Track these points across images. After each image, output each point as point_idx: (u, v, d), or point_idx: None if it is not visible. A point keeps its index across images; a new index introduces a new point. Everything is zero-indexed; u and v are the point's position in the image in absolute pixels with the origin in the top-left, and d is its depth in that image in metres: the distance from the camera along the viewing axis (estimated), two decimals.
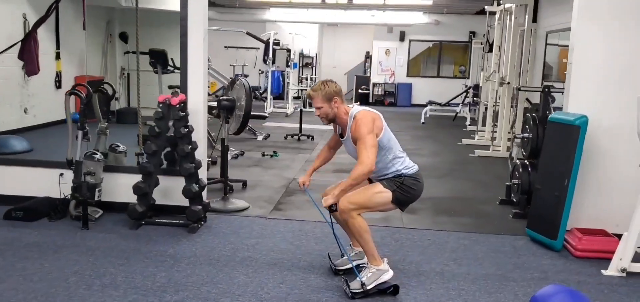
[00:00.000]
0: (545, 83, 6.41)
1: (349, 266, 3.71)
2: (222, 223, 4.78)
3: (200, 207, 4.53)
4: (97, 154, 4.63)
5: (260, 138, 9.52)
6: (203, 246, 4.19)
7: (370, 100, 17.93)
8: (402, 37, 17.85)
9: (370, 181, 3.65)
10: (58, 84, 9.13)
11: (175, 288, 3.44)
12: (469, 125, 12.22)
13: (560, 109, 4.91)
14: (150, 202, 4.60)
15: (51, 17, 8.81)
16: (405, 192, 3.48)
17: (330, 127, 3.76)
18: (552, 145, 4.58)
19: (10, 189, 4.94)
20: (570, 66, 4.61)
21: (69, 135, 4.64)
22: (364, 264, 3.56)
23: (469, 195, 6.16)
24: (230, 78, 5.54)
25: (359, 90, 18.12)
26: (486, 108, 10.28)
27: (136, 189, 4.48)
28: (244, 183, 6.12)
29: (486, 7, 10.47)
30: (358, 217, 3.37)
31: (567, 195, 4.33)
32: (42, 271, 3.61)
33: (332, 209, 3.37)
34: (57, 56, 9.15)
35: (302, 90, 16.39)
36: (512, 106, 8.40)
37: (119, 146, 5.20)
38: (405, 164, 3.53)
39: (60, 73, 9.18)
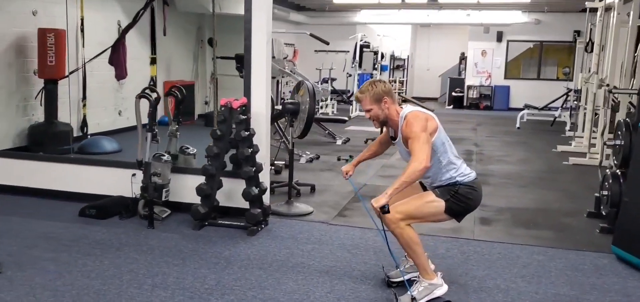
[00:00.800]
0: None
1: (402, 278, 3.51)
2: (283, 227, 4.73)
3: (259, 210, 4.51)
4: (164, 155, 4.74)
5: (339, 142, 9.43)
6: (259, 250, 4.15)
7: (465, 104, 17.29)
8: (499, 38, 17.05)
9: (424, 189, 3.43)
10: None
11: (222, 291, 3.41)
12: (569, 131, 11.40)
13: None
14: (213, 204, 4.64)
15: (146, 24, 9.30)
16: (460, 201, 3.22)
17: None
18: None
19: (88, 188, 5.19)
20: None
21: (139, 137, 4.78)
22: (417, 277, 3.34)
23: (553, 206, 5.68)
24: (298, 82, 5.48)
25: (453, 93, 17.53)
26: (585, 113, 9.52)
27: (199, 190, 4.54)
28: (312, 187, 6.05)
29: (586, 3, 9.72)
30: (407, 228, 3.16)
31: None
32: (100, 268, 3.73)
33: (384, 210, 3.04)
34: (152, 61, 9.61)
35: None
36: (613, 110, 7.70)
37: (188, 148, 5.32)
38: (461, 171, 3.28)
39: (154, 78, 9.62)
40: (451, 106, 17.36)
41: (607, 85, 7.25)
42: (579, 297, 3.49)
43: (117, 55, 7.60)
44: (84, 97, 8.28)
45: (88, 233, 4.41)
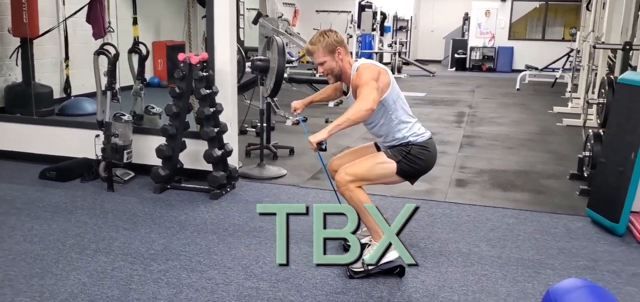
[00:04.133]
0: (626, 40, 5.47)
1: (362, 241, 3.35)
2: (250, 190, 4.57)
3: (222, 173, 4.34)
4: (125, 115, 4.57)
5: (331, 104, 9.20)
6: (218, 214, 4.00)
7: (467, 66, 16.93)
8: None
9: (378, 149, 3.24)
10: (138, 49, 9.37)
11: (167, 257, 3.27)
12: (569, 92, 11.07)
13: None
14: (175, 166, 4.49)
15: None
16: (411, 162, 3.03)
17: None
18: (620, 112, 3.86)
19: (52, 149, 5.05)
20: None
21: (98, 96, 4.61)
22: (370, 242, 3.17)
23: (537, 168, 5.46)
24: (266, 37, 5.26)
25: (455, 55, 17.17)
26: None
27: (158, 151, 4.38)
28: (291, 150, 5.88)
29: None
30: (356, 190, 2.98)
31: (634, 170, 3.62)
32: (46, 232, 3.60)
33: (321, 147, 2.86)
34: (134, 21, 9.36)
35: (394, 55, 15.78)
36: (610, 69, 7.40)
37: (153, 108, 5.13)
38: (414, 130, 3.07)
39: (137, 38, 9.39)
40: (453, 68, 17.02)
41: (602, 42, 6.93)
42: (543, 262, 3.31)
43: (94, 13, 7.36)
44: (67, 57, 8.10)
45: (44, 196, 4.28)
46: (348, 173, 2.97)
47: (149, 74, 10.28)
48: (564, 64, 12.24)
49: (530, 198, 4.53)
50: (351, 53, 3.14)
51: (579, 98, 9.25)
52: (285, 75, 8.10)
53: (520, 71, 13.80)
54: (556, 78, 12.09)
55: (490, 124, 7.86)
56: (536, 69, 12.52)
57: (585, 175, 4.80)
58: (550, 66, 12.58)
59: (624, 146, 3.72)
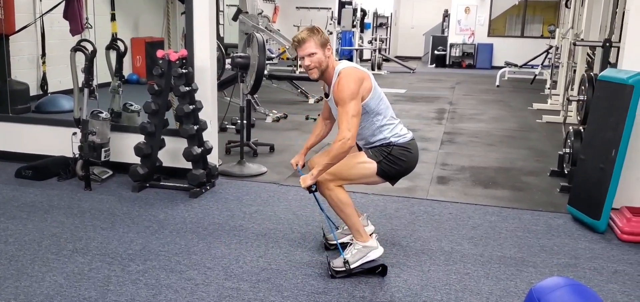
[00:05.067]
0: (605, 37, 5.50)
1: (343, 240, 3.33)
2: (230, 188, 4.52)
3: (202, 171, 4.28)
4: (102, 113, 4.48)
5: (311, 101, 9.17)
6: (197, 212, 3.94)
7: (447, 62, 17.00)
8: None
9: (359, 149, 3.21)
10: (116, 46, 9.23)
11: (145, 257, 3.20)
12: (549, 88, 11.18)
13: None
14: (154, 164, 4.42)
15: None
16: (392, 163, 3.00)
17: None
18: (601, 109, 3.88)
19: (28, 147, 4.95)
20: (627, 13, 3.86)
21: (75, 94, 4.52)
22: (351, 241, 3.14)
23: (517, 165, 5.49)
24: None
25: (435, 52, 17.22)
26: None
27: (137, 150, 4.31)
28: (272, 147, 5.83)
29: None
30: (336, 189, 2.95)
31: (614, 167, 3.65)
32: (22, 232, 3.51)
33: (311, 190, 2.97)
34: (113, 17, 9.22)
35: (374, 51, 15.79)
36: (589, 66, 7.48)
37: (132, 105, 5.04)
38: (395, 132, 3.04)
39: (115, 35, 9.25)
40: (433, 65, 17.08)
41: (582, 40, 7.00)
42: (525, 260, 3.31)
43: (72, 9, 7.21)
44: (43, 54, 7.94)
45: (20, 195, 4.18)
46: (328, 172, 2.93)
47: (127, 71, 10.12)
48: (543, 61, 12.34)
49: (511, 195, 4.54)
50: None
51: (558, 95, 9.34)
52: (265, 72, 8.06)
53: (499, 68, 13.89)
54: (535, 75, 12.19)
55: (471, 121, 7.89)
56: (516, 65, 12.62)
57: (566, 172, 4.83)
58: (529, 63, 12.67)
59: (605, 143, 3.74)
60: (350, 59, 15.11)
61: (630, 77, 3.61)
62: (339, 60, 3.09)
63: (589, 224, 3.78)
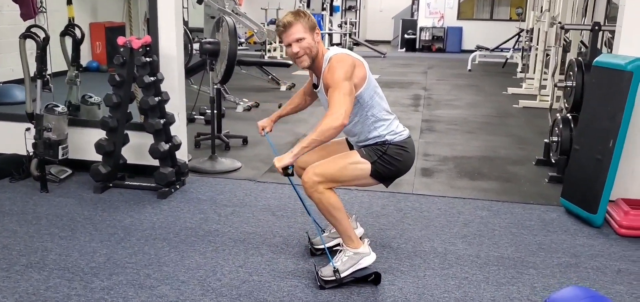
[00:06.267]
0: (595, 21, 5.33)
1: (331, 243, 3.05)
2: (202, 187, 4.18)
3: (171, 169, 3.93)
4: (58, 106, 4.08)
5: (283, 88, 8.84)
6: (167, 216, 3.61)
7: (417, 46, 16.84)
8: None
9: (351, 147, 2.92)
10: (72, 32, 8.70)
11: (111, 270, 2.86)
12: (520, 72, 11.11)
13: None
14: (118, 162, 4.05)
15: None
16: (387, 164, 2.72)
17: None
18: (596, 97, 3.68)
19: None
20: None
21: (26, 85, 4.10)
22: (340, 245, 2.86)
23: (500, 154, 5.29)
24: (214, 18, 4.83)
25: (405, 36, 17.03)
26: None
27: (98, 147, 3.93)
28: (245, 139, 5.49)
29: None
30: (326, 193, 2.65)
31: (612, 158, 3.46)
32: None
33: (287, 172, 2.56)
34: (69, 1, 8.68)
35: (344, 35, 15.49)
36: (564, 50, 7.36)
37: (92, 97, 4.63)
38: (391, 129, 2.76)
39: (72, 20, 8.71)
40: (403, 49, 16.89)
41: (560, 23, 6.84)
42: (524, 260, 3.09)
43: None
44: None
45: None
46: (317, 173, 2.63)
47: (86, 59, 9.60)
48: (515, 45, 12.25)
49: (499, 187, 4.33)
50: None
51: (532, 79, 9.22)
52: None
53: (469, 52, 13.78)
54: (506, 58, 12.10)
55: (447, 107, 7.68)
56: (488, 49, 12.50)
57: (553, 161, 4.66)
58: (500, 47, 12.57)
59: (601, 133, 3.55)
60: None
61: (629, 63, 3.42)
62: (329, 47, 2.79)
63: (584, 218, 3.60)
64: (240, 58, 8.29)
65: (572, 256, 3.17)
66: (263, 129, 3.08)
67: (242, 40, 9.95)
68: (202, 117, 6.18)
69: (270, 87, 8.94)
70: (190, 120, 6.31)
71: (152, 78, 3.83)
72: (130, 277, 2.80)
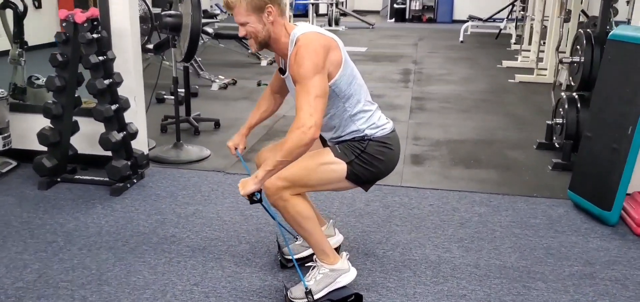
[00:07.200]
0: None
1: (303, 254, 2.60)
2: (163, 180, 3.70)
3: (125, 161, 3.44)
4: None
5: (264, 63, 8.30)
6: (118, 217, 3.12)
7: (407, 16, 16.27)
8: None
9: (324, 143, 2.44)
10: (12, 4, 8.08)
11: (40, 292, 2.38)
12: (514, 43, 10.62)
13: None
14: (66, 153, 3.55)
15: None
16: (366, 164, 2.23)
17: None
18: (612, 76, 3.21)
19: None
20: None
21: None
22: (314, 260, 2.39)
23: (498, 136, 4.83)
24: None
25: (394, 5, 16.44)
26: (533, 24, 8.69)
27: (41, 137, 3.43)
28: (217, 122, 4.98)
29: None
30: (293, 199, 2.17)
31: (631, 147, 3.00)
32: None
33: (253, 199, 2.12)
34: None
35: (330, 5, 14.87)
36: (565, 20, 6.87)
37: (38, 79, 4.09)
38: (372, 122, 2.26)
39: None
40: (393, 19, 16.32)
41: None
42: (531, 270, 2.65)
43: None
44: None
45: None
46: (281, 177, 2.14)
47: (53, 31, 8.99)
48: (509, 15, 11.73)
49: (498, 177, 3.88)
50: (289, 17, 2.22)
51: (528, 51, 8.75)
52: (211, 30, 7.13)
53: (460, 22, 13.25)
54: (500, 29, 11.59)
55: (440, 83, 7.20)
56: (480, 19, 11.98)
57: (557, 145, 4.21)
58: (494, 17, 12.05)
59: (617, 118, 3.09)
60: (306, 15, 14.15)
61: None
62: (297, 23, 2.28)
63: (596, 215, 3.15)
64: (219, 31, 7.73)
65: (585, 263, 2.72)
66: (235, 148, 2.56)
67: (219, 12, 9.34)
68: (173, 97, 5.66)
69: (250, 62, 8.40)
70: (160, 100, 5.81)
71: (100, 57, 3.31)
72: (61, 301, 2.32)
